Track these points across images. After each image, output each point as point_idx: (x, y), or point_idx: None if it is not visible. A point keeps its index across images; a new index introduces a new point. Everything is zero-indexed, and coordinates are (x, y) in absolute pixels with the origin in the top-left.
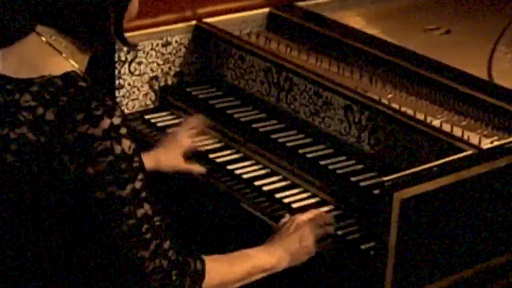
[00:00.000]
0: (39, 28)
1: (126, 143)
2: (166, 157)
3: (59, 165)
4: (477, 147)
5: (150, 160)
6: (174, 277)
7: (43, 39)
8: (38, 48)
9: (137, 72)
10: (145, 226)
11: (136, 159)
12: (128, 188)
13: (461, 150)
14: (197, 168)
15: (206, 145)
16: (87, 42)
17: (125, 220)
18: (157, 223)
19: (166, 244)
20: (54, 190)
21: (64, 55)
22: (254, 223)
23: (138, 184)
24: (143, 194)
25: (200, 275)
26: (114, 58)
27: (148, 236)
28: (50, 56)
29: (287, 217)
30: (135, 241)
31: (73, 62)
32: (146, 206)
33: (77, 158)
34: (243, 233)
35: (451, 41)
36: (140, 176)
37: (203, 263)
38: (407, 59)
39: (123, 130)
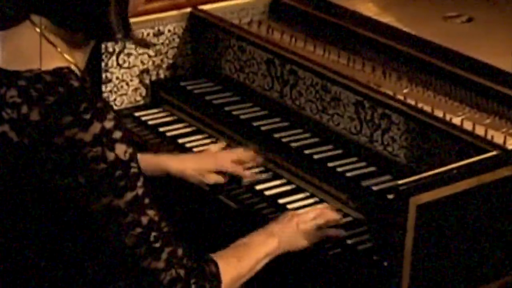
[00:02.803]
0: (34, 17)
1: (121, 148)
2: (197, 166)
3: (43, 171)
4: (501, 148)
5: (177, 163)
6: (193, 286)
7: (37, 29)
8: (31, 40)
9: (126, 65)
10: (153, 234)
11: (134, 164)
12: (128, 196)
13: (484, 151)
14: (223, 180)
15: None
16: (84, 35)
17: (130, 231)
18: (165, 229)
19: (180, 251)
20: (40, 197)
21: (59, 49)
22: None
23: (139, 191)
24: (146, 201)
25: (217, 278)
26: (100, 49)
27: (158, 244)
28: (43, 49)
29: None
30: (145, 252)
31: (68, 57)
32: (151, 212)
33: (65, 165)
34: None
35: (473, 30)
36: (140, 182)
37: (216, 265)
38: (425, 50)
39: (117, 134)
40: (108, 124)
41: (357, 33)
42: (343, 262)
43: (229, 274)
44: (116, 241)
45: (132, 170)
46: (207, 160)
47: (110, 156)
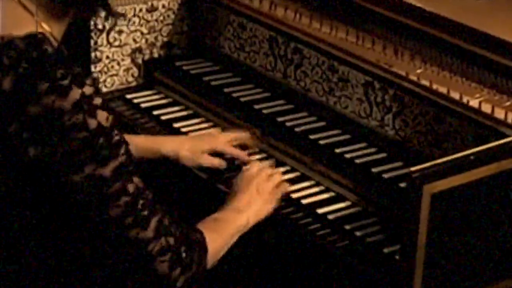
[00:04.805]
0: None
1: (102, 114)
2: (191, 146)
3: (19, 144)
4: None
5: (171, 143)
6: (183, 254)
7: None
8: (7, 6)
9: (117, 43)
10: (141, 201)
11: (116, 131)
12: (112, 164)
13: (504, 135)
14: (218, 162)
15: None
16: (63, 6)
17: (116, 201)
18: (150, 196)
19: (166, 219)
20: (17, 173)
21: (36, 18)
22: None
23: (123, 158)
24: (130, 168)
25: (204, 247)
26: (89, 26)
27: (146, 213)
28: (20, 17)
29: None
30: (133, 221)
31: (46, 27)
32: (136, 179)
33: (42, 135)
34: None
35: (492, 5)
36: (123, 150)
37: (202, 233)
38: (440, 27)
39: (97, 100)
40: (88, 90)
41: (367, 8)
42: (351, 255)
43: (212, 244)
44: (101, 213)
45: (115, 137)
46: (202, 140)
47: (92, 123)
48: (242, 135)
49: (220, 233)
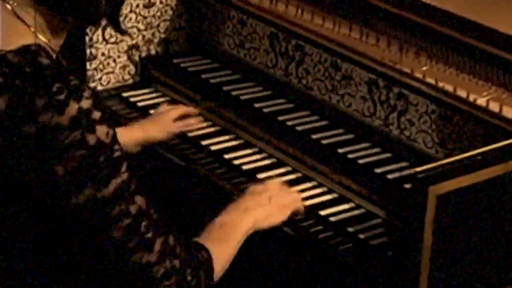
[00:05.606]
0: None
1: (102, 130)
2: (155, 126)
3: (15, 166)
4: None
5: (136, 131)
6: (189, 278)
7: (8, 6)
8: (5, 19)
9: (112, 40)
10: (144, 223)
11: (117, 146)
12: (113, 184)
13: None
14: (193, 123)
15: (198, 129)
16: (62, 18)
17: (118, 223)
18: (155, 216)
19: (171, 239)
20: (14, 197)
21: (32, 29)
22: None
23: (124, 176)
24: (133, 187)
25: (210, 265)
26: None
27: (149, 235)
28: (15, 29)
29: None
30: (136, 244)
31: (44, 39)
32: (139, 199)
33: (39, 156)
34: None
35: (498, 1)
36: (124, 167)
37: (207, 251)
38: (446, 23)
39: (96, 115)
40: (86, 104)
41: (371, 3)
42: (354, 258)
43: (219, 258)
44: (102, 236)
45: (116, 153)
46: (153, 129)
47: (91, 139)
48: (186, 110)
49: (227, 243)
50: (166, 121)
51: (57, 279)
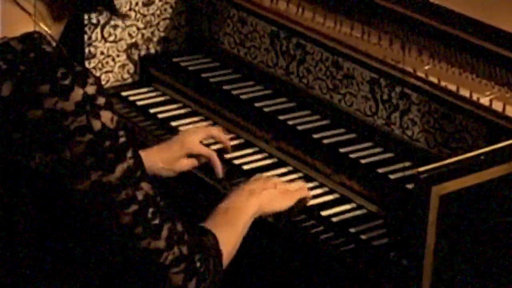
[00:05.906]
0: None
1: (107, 115)
2: (163, 155)
3: (21, 152)
4: None
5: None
6: (198, 264)
7: None
8: (5, 6)
9: (111, 38)
10: (151, 209)
11: (122, 132)
12: (119, 169)
13: None
14: (193, 163)
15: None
16: (62, 5)
17: (124, 209)
18: (161, 203)
19: (179, 226)
20: (20, 184)
21: (33, 17)
22: (255, 226)
23: (130, 162)
24: (139, 173)
25: (218, 250)
26: (83, 20)
27: (157, 221)
28: (16, 17)
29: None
30: (143, 231)
31: (44, 27)
32: (145, 185)
33: (45, 141)
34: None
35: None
36: (130, 153)
37: (214, 236)
38: (449, 22)
39: (101, 100)
40: (91, 89)
41: (373, 2)
42: (356, 259)
43: (226, 243)
44: (109, 223)
45: (121, 139)
46: (174, 148)
47: (96, 125)
48: (213, 132)
49: (233, 226)
50: (188, 141)
51: (64, 270)
